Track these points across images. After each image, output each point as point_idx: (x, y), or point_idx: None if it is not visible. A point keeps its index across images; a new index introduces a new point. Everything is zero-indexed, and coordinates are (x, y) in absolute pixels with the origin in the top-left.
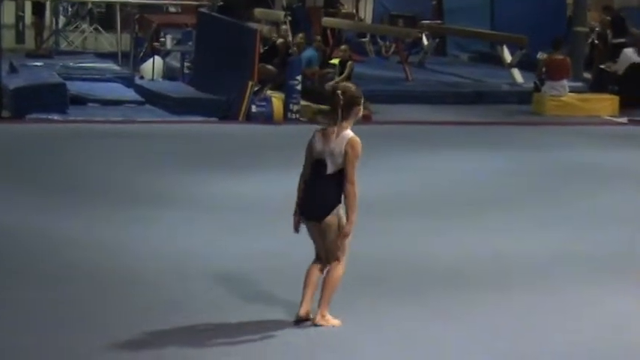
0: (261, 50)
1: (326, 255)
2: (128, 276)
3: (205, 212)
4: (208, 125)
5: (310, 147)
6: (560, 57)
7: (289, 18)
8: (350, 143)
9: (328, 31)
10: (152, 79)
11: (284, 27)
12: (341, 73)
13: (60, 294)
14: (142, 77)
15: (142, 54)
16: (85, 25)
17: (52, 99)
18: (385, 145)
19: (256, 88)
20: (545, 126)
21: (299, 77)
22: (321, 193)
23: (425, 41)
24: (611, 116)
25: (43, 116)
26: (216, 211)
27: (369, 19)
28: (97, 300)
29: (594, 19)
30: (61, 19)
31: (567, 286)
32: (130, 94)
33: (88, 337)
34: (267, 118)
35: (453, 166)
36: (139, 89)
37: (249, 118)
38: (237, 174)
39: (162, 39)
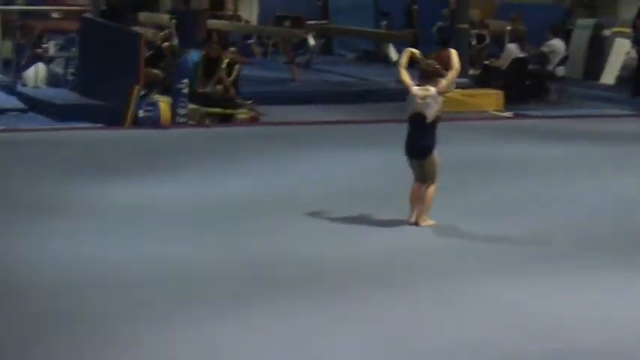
0: (147, 54)
1: (424, 178)
2: (23, 286)
3: (94, 219)
4: (94, 132)
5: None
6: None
7: (174, 21)
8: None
9: (214, 34)
10: (35, 86)
11: (168, 30)
12: (228, 75)
13: None
14: (24, 84)
15: (24, 61)
16: None
17: None
18: (271, 146)
19: (143, 93)
20: None
21: (186, 81)
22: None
23: (311, 41)
24: (497, 111)
25: None
26: (104, 219)
27: (254, 21)
28: None
29: (475, 15)
30: None
31: (467, 278)
32: (13, 101)
33: None
34: (155, 122)
35: (341, 165)
36: (22, 97)
37: (137, 123)
38: (126, 180)
39: (46, 45)
